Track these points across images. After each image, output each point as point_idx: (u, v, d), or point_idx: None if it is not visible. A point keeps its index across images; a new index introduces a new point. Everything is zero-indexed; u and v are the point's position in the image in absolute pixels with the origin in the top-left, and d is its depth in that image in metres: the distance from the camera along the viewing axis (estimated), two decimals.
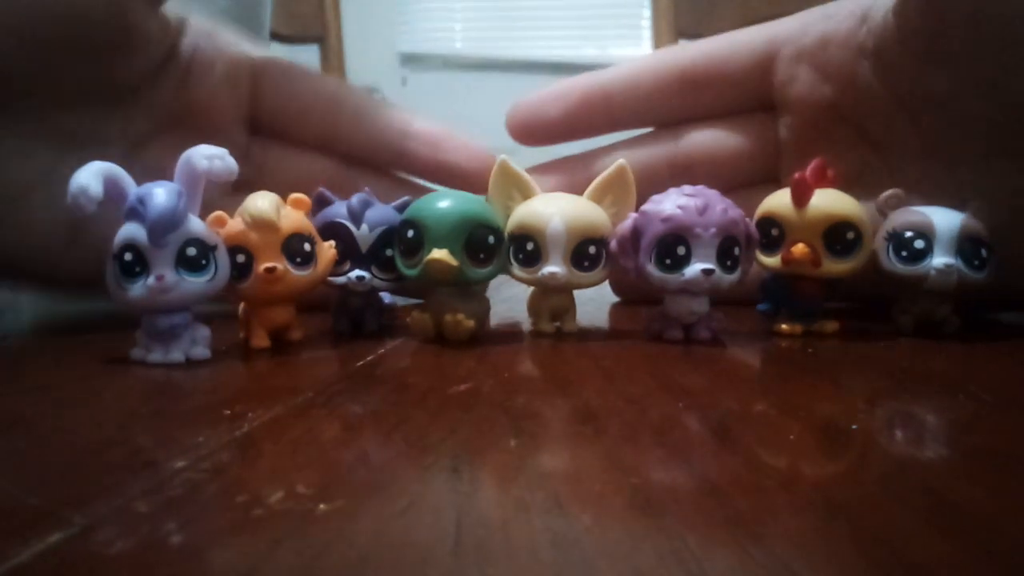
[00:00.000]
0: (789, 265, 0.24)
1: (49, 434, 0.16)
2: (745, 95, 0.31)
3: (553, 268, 0.24)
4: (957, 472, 0.14)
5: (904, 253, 0.25)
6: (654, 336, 0.25)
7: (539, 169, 0.32)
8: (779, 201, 0.25)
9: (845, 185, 0.25)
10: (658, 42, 0.96)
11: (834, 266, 0.25)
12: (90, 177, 0.20)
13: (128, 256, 0.21)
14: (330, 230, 0.24)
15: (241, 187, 0.24)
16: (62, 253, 0.27)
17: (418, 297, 0.31)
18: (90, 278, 0.22)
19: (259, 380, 0.21)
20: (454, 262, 0.23)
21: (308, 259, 0.23)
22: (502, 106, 0.33)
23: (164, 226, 0.20)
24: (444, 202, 0.24)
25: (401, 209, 0.25)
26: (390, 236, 0.25)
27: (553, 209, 0.24)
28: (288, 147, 0.32)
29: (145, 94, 0.29)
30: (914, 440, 0.17)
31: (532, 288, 0.26)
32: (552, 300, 0.26)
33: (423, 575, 0.10)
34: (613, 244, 0.25)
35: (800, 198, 0.24)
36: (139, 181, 0.21)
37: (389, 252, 0.25)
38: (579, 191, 0.26)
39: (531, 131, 0.32)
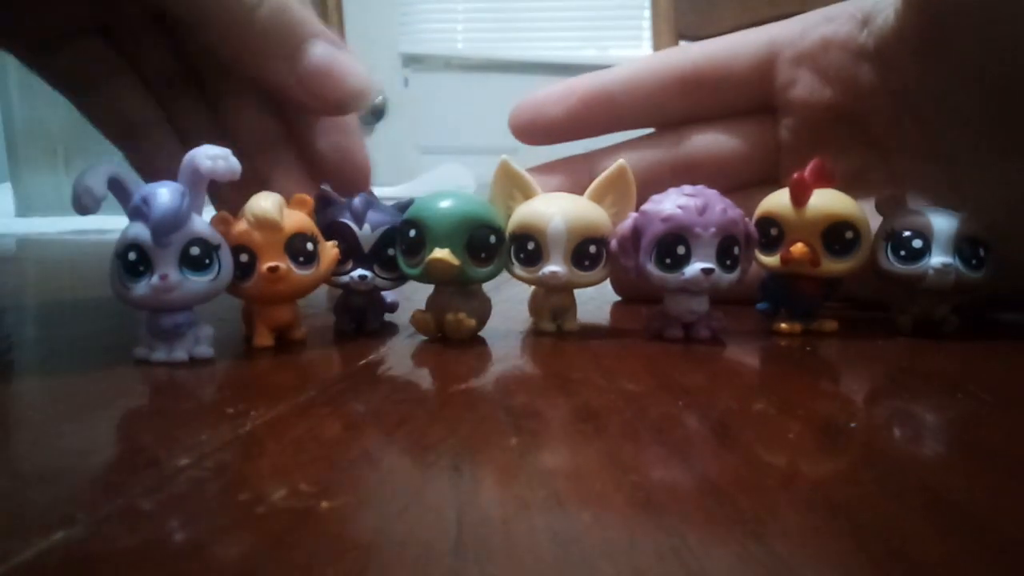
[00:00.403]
0: (788, 264, 0.25)
1: (52, 432, 0.16)
2: (746, 97, 0.31)
3: (554, 267, 0.24)
4: (956, 471, 0.14)
5: (902, 253, 0.25)
6: (654, 335, 0.25)
7: (540, 169, 0.32)
8: (778, 201, 0.25)
9: (845, 186, 0.25)
10: (658, 43, 0.97)
11: (833, 265, 0.25)
12: (94, 178, 0.20)
13: (132, 255, 0.21)
14: (333, 230, 0.24)
15: None
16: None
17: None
18: None
19: (262, 379, 0.21)
20: (455, 261, 0.23)
21: (311, 259, 0.23)
22: (503, 107, 0.33)
23: (168, 226, 0.21)
24: (446, 202, 0.24)
25: (403, 209, 0.25)
26: (392, 236, 0.25)
27: (554, 209, 0.24)
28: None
29: None
30: (913, 439, 0.17)
31: (533, 287, 0.26)
32: (553, 299, 0.26)
33: (424, 572, 0.10)
34: (613, 244, 0.25)
35: (799, 198, 0.24)
36: None
37: (391, 252, 0.25)
38: (580, 191, 0.26)
39: (534, 130, 0.32)
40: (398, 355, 0.23)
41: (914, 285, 0.25)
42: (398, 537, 0.11)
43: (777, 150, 0.31)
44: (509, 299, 0.32)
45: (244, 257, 0.23)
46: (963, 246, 0.24)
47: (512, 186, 0.26)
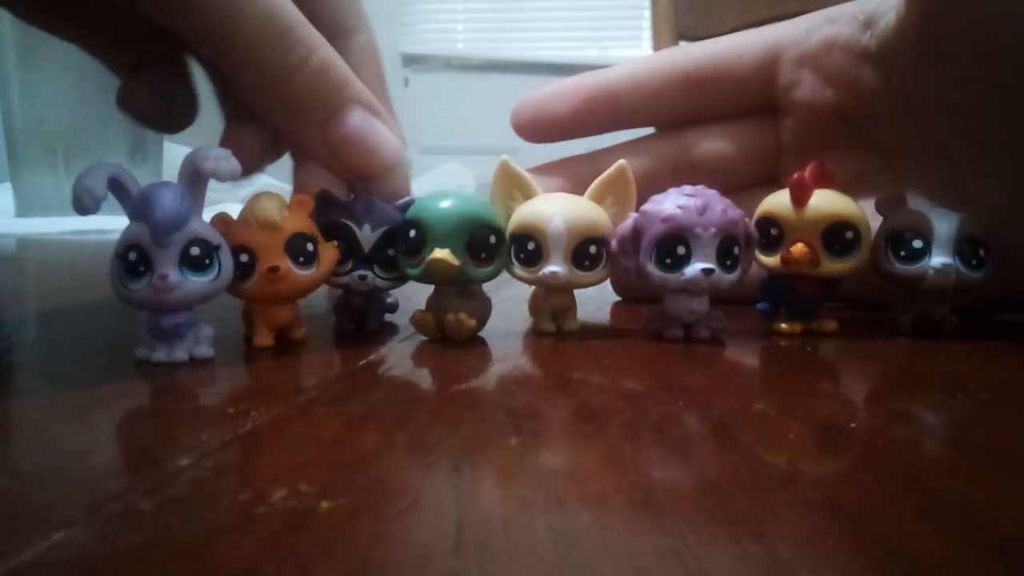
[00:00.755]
0: (788, 265, 0.25)
1: (52, 432, 0.16)
2: (748, 97, 0.31)
3: (554, 267, 0.24)
4: (956, 471, 0.14)
5: (902, 253, 0.25)
6: (654, 335, 0.25)
7: (540, 170, 0.32)
8: (778, 201, 0.25)
9: (846, 187, 0.25)
10: (658, 43, 0.97)
11: (833, 266, 0.25)
12: (94, 178, 0.20)
13: (132, 256, 0.21)
14: (333, 230, 0.24)
15: None
16: None
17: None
18: None
19: (262, 379, 0.21)
20: (456, 262, 0.23)
21: (311, 259, 0.23)
22: (503, 107, 0.33)
23: (168, 226, 0.21)
24: (446, 202, 0.24)
25: (403, 209, 0.25)
26: (392, 236, 0.25)
27: (554, 209, 0.24)
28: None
29: None
30: (913, 439, 0.17)
31: (533, 287, 0.26)
32: (553, 299, 0.26)
33: (424, 573, 0.10)
34: (613, 244, 0.25)
35: (799, 198, 0.24)
36: None
37: (391, 252, 0.25)
38: (580, 192, 0.26)
39: (536, 128, 0.32)
40: (398, 355, 0.23)
41: (914, 285, 0.25)
42: (398, 537, 0.11)
43: (777, 150, 0.31)
44: (509, 299, 0.32)
45: (244, 257, 0.23)
46: (963, 246, 0.24)
47: (512, 186, 0.26)
